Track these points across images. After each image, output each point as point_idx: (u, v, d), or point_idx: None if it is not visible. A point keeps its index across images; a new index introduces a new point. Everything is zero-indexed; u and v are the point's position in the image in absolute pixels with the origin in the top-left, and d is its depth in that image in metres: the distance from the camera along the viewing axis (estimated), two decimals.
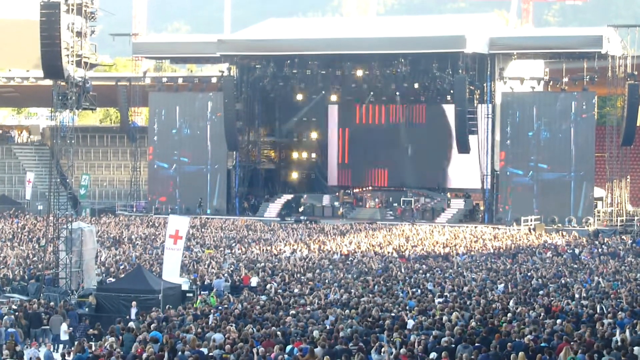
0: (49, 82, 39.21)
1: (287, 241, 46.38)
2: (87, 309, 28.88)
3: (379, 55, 58.72)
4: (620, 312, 24.34)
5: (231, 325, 23.23)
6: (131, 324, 24.32)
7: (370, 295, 28.80)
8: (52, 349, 25.25)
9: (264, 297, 29.26)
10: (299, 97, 65.39)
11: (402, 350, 20.22)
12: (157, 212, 60.58)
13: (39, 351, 22.56)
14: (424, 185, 63.72)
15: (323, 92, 64.89)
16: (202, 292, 31.18)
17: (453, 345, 20.51)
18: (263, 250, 43.13)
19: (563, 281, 32.51)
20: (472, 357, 19.67)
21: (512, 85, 57.44)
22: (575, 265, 37.92)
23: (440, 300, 27.86)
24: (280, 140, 68.99)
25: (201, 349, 20.66)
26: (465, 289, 30.33)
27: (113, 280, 33.05)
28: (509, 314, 24.63)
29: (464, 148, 57.19)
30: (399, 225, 54.36)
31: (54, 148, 37.78)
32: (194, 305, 28.39)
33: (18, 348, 21.60)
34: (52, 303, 28.59)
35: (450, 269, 36.63)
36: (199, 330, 22.90)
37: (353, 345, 20.63)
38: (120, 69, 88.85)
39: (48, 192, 40.81)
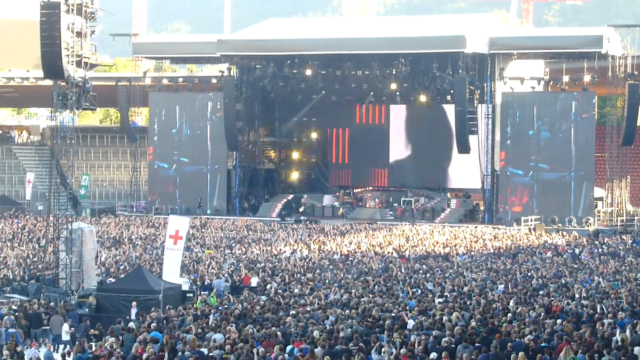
0: (49, 82, 39.21)
1: (287, 241, 46.36)
2: (87, 310, 28.88)
3: (379, 55, 58.70)
4: (620, 312, 24.34)
5: (231, 326, 23.22)
6: (131, 324, 24.32)
7: (371, 296, 28.80)
8: (52, 349, 25.24)
9: (264, 298, 29.26)
10: (299, 97, 65.38)
11: (402, 351, 20.22)
12: (157, 213, 60.57)
13: (39, 351, 22.56)
14: (424, 185, 63.72)
15: (323, 92, 64.86)
16: (202, 293, 31.18)
17: (453, 346, 20.51)
18: (263, 250, 43.12)
19: (563, 281, 32.51)
20: (473, 357, 19.67)
21: (512, 85, 57.43)
22: (576, 265, 37.91)
23: (441, 300, 27.86)
24: (281, 140, 68.99)
25: (201, 349, 20.66)
26: (466, 289, 30.33)
27: (113, 280, 33.05)
28: (509, 314, 24.63)
29: (464, 148, 57.18)
30: (399, 225, 54.35)
31: (54, 148, 37.78)
32: (194, 306, 28.38)
33: (19, 348, 21.60)
34: (52, 303, 28.59)
35: (450, 269, 36.62)
36: (199, 330, 22.90)
37: (353, 345, 20.62)
38: (120, 69, 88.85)
39: (48, 192, 40.83)
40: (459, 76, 55.91)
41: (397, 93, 63.58)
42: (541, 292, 29.53)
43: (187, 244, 40.10)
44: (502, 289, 30.61)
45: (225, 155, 63.14)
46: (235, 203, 63.15)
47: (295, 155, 69.00)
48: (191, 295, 30.77)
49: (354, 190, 64.23)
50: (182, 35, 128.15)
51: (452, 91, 58.29)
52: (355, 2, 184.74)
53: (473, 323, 23.12)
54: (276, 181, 68.41)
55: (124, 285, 29.66)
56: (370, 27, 66.65)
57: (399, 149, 65.36)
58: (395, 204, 61.25)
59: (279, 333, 22.23)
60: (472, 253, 42.41)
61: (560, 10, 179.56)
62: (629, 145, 57.68)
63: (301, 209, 62.41)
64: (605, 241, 47.66)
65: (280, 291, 30.33)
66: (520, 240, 47.65)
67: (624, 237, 50.22)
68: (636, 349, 19.66)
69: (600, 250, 44.04)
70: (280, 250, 42.85)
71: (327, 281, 32.73)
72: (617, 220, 55.79)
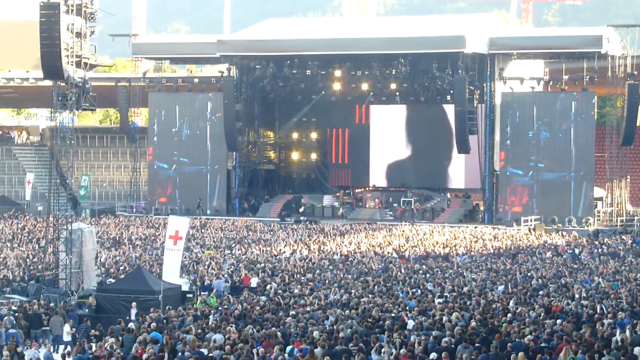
0: (48, 82, 39.18)
1: (287, 242, 46.35)
2: (87, 310, 28.87)
3: (378, 55, 58.70)
4: (620, 312, 24.34)
5: (231, 326, 23.22)
6: (131, 325, 24.32)
7: (370, 296, 28.80)
8: (52, 350, 25.23)
9: (264, 298, 29.26)
10: (299, 97, 65.40)
11: (402, 351, 20.22)
12: (157, 213, 60.58)
13: (39, 352, 22.55)
14: (424, 185, 63.73)
15: (323, 92, 64.90)
16: (202, 293, 31.19)
17: (453, 346, 20.50)
18: (263, 250, 43.11)
19: (563, 281, 32.50)
20: (472, 357, 19.67)
21: (512, 85, 57.43)
22: (575, 266, 37.91)
23: (440, 300, 27.85)
24: (280, 140, 69.04)
25: (201, 350, 20.66)
26: (465, 289, 30.33)
27: (113, 281, 33.03)
28: (509, 314, 24.62)
29: (464, 148, 57.18)
30: (398, 225, 54.36)
31: (54, 149, 37.80)
32: (194, 306, 28.39)
33: (19, 349, 21.60)
34: (52, 304, 28.57)
35: (450, 269, 36.62)
36: (199, 330, 22.90)
37: (353, 345, 20.62)
38: (120, 69, 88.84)
39: (48, 192, 40.83)
40: (458, 76, 55.90)
41: (397, 93, 63.59)
42: (541, 293, 29.53)
43: (187, 245, 40.09)
44: (502, 289, 30.61)
45: (225, 155, 63.16)
46: (235, 203, 63.16)
47: (295, 155, 69.04)
48: (191, 295, 30.77)
49: (354, 191, 64.22)
50: (182, 36, 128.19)
51: (451, 91, 58.28)
52: (355, 2, 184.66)
53: (473, 323, 23.12)
54: (276, 181, 68.42)
55: (123, 286, 29.64)
56: (370, 27, 66.65)
57: (398, 149, 65.33)
58: (395, 204, 61.25)
59: (278, 333, 22.23)
60: (472, 253, 42.39)
61: (559, 10, 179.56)
62: (628, 145, 57.70)
63: (301, 209, 62.39)
64: (605, 241, 47.65)
65: (280, 291, 30.33)
66: (520, 240, 47.64)
67: (623, 237, 50.21)
68: (636, 349, 19.65)
69: (600, 250, 44.03)
70: (280, 250, 42.84)
71: (327, 281, 32.73)
72: (617, 220, 55.79)
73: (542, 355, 19.33)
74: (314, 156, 69.01)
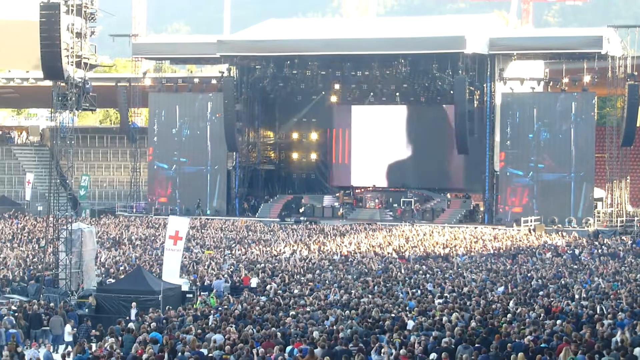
0: (48, 83, 39.19)
1: (287, 242, 46.34)
2: (87, 310, 28.87)
3: (378, 56, 58.69)
4: (620, 313, 24.33)
5: (231, 326, 23.22)
6: (131, 325, 24.33)
7: (370, 296, 28.79)
8: (51, 350, 25.23)
9: (263, 298, 29.26)
10: (299, 97, 65.40)
11: (402, 351, 20.21)
12: (157, 213, 60.58)
13: (39, 352, 22.55)
14: (424, 185, 63.70)
15: (323, 92, 64.90)
16: (202, 293, 31.18)
17: (453, 346, 20.50)
18: (263, 251, 43.10)
19: (563, 282, 32.50)
20: (472, 357, 19.67)
21: (512, 85, 57.42)
22: (575, 266, 37.91)
23: (440, 301, 27.85)
24: (280, 141, 69.04)
25: (201, 350, 20.66)
26: (465, 289, 30.33)
27: (113, 281, 33.04)
28: (509, 315, 24.63)
29: (464, 149, 57.18)
30: (398, 226, 54.36)
31: (54, 149, 37.79)
32: (194, 306, 28.38)
33: (19, 349, 21.61)
34: (52, 304, 28.57)
35: (450, 269, 36.61)
36: (199, 331, 22.90)
37: (353, 346, 20.62)
38: (120, 69, 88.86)
39: (48, 193, 40.85)
40: (458, 77, 55.90)
41: (397, 94, 63.57)
42: (541, 293, 29.52)
43: (187, 245, 40.11)
44: (502, 290, 30.61)
45: (225, 155, 63.17)
46: (235, 204, 63.16)
47: (295, 155, 69.05)
48: (191, 295, 30.78)
49: (354, 191, 64.21)
50: (182, 36, 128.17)
51: (452, 92, 58.25)
52: (355, 2, 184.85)
53: (473, 324, 23.12)
54: (276, 182, 68.40)
55: (123, 286, 29.65)
56: (370, 27, 66.67)
57: (399, 149, 65.33)
58: (395, 205, 61.23)
59: (278, 334, 22.23)
60: (472, 254, 42.39)
61: (560, 11, 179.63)
62: (628, 146, 57.70)
63: (301, 210, 62.38)
64: (605, 242, 47.64)
65: (280, 292, 30.33)
66: (520, 241, 47.64)
67: (623, 237, 50.20)
68: (636, 350, 19.65)
69: (600, 251, 44.02)
70: (280, 250, 42.84)
71: (326, 282, 32.73)
72: (617, 220, 55.79)
73: (542, 356, 19.32)
74: (314, 156, 69.01)
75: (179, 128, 63.55)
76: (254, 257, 40.39)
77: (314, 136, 68.54)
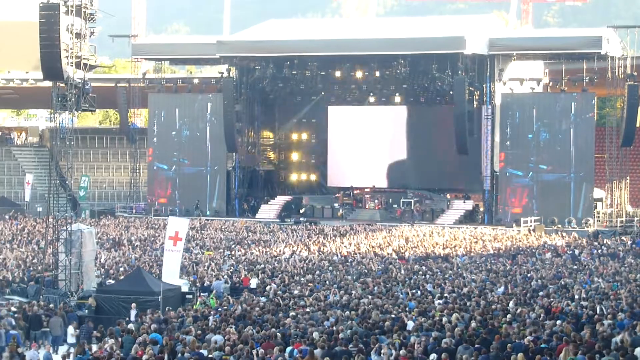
0: (48, 83, 39.16)
1: (287, 242, 46.32)
2: (86, 311, 28.85)
3: (378, 56, 58.72)
4: (620, 313, 24.32)
5: (231, 327, 23.20)
6: (131, 326, 24.31)
7: (370, 297, 28.78)
8: (51, 351, 25.20)
9: (263, 299, 29.25)
10: (299, 98, 65.43)
11: (402, 352, 20.20)
12: (157, 214, 60.56)
13: (39, 353, 22.54)
14: (424, 186, 63.67)
15: (322, 93, 64.93)
16: (201, 294, 31.18)
17: (453, 347, 20.49)
18: (263, 251, 43.09)
19: (563, 282, 32.47)
20: (473, 358, 19.65)
21: (512, 86, 57.44)
22: (575, 266, 37.89)
23: (440, 301, 27.83)
24: (280, 141, 69.05)
25: (201, 351, 20.65)
26: (465, 290, 30.31)
27: (113, 282, 33.02)
28: (509, 315, 24.62)
29: (464, 149, 57.18)
30: (398, 226, 54.34)
31: (54, 150, 37.74)
32: (194, 307, 28.36)
33: (20, 350, 21.60)
34: (51, 305, 28.55)
35: (450, 270, 36.58)
36: (199, 332, 22.90)
37: (353, 346, 20.61)
38: (119, 70, 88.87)
39: (47, 193, 40.78)
40: (458, 77, 55.91)
41: (397, 94, 63.58)
42: (541, 293, 29.51)
43: (187, 246, 40.09)
44: (501, 290, 30.60)
45: (224, 156, 63.17)
46: (235, 204, 63.16)
47: (295, 156, 69.07)
48: (191, 296, 30.76)
49: (354, 192, 64.17)
50: (182, 37, 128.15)
51: (451, 92, 58.27)
52: (355, 3, 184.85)
53: (473, 324, 23.11)
54: (276, 182, 68.44)
55: (123, 287, 29.62)
56: (370, 28, 66.66)
57: (398, 150, 65.33)
58: (395, 205, 61.23)
59: (278, 334, 22.22)
60: (472, 254, 42.37)
61: (559, 11, 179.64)
62: (628, 146, 57.71)
63: (302, 211, 62.40)
64: (605, 242, 47.64)
65: (279, 292, 30.32)
66: (519, 241, 47.63)
67: (623, 238, 50.19)
68: (636, 350, 19.64)
69: (599, 251, 44.00)
70: (280, 251, 42.82)
71: (326, 282, 32.71)
72: (616, 221, 55.79)
73: (541, 356, 19.30)
74: (313, 157, 68.99)
75: (178, 129, 63.56)
76: (253, 258, 40.37)
77: (313, 137, 68.52)
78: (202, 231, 51.65)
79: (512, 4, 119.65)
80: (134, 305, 27.73)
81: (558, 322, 23.27)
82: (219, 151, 62.68)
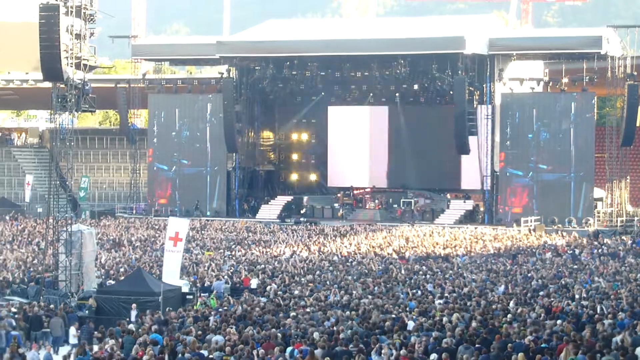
0: (48, 84, 39.28)
1: (287, 243, 46.32)
2: (87, 312, 28.85)
3: (378, 56, 58.71)
4: (620, 313, 24.32)
5: (231, 327, 23.21)
6: (131, 326, 24.31)
7: (371, 297, 28.78)
8: (51, 352, 25.21)
9: (264, 299, 29.25)
10: (299, 98, 65.41)
11: (402, 352, 20.19)
12: (157, 214, 60.56)
13: (39, 354, 22.54)
14: (424, 186, 63.65)
15: (322, 93, 64.89)
16: (202, 294, 31.17)
17: (454, 347, 20.49)
18: (263, 252, 43.08)
19: (563, 282, 32.47)
20: (473, 358, 19.65)
21: (512, 86, 57.45)
22: (576, 266, 37.89)
23: (441, 301, 27.83)
24: (280, 141, 69.04)
25: (201, 351, 20.65)
26: (466, 290, 30.31)
27: (113, 282, 33.02)
28: (510, 315, 24.61)
29: (464, 149, 57.18)
30: (398, 226, 54.34)
31: (54, 150, 37.74)
32: (194, 308, 28.36)
33: (21, 350, 21.60)
34: (52, 306, 28.55)
35: (450, 270, 36.57)
36: (199, 332, 22.90)
37: (353, 347, 20.61)
38: (119, 71, 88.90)
39: (47, 194, 40.82)
40: (458, 77, 55.91)
41: (397, 94, 63.57)
42: (541, 293, 29.50)
43: (187, 246, 40.08)
44: (502, 290, 30.60)
45: (224, 156, 63.17)
46: (235, 205, 63.16)
47: (295, 156, 69.05)
48: (191, 297, 30.75)
49: (354, 192, 64.17)
50: (181, 37, 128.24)
51: (451, 92, 58.26)
52: (355, 3, 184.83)
53: (473, 324, 23.11)
54: (276, 183, 68.43)
55: (123, 288, 29.63)
56: (370, 28, 66.67)
57: (398, 150, 65.32)
58: (395, 205, 61.23)
59: (279, 335, 22.21)
60: (472, 254, 42.36)
61: (559, 11, 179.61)
62: (628, 146, 57.70)
63: (303, 211, 62.40)
64: (605, 242, 47.64)
65: (280, 293, 30.32)
66: (520, 241, 47.63)
67: (623, 237, 50.19)
68: (637, 349, 19.63)
69: (600, 250, 44.00)
70: (280, 251, 42.81)
71: (327, 283, 32.71)
72: (616, 220, 55.80)
73: (542, 356, 19.30)
74: (313, 157, 68.99)
75: (178, 129, 63.57)
76: (254, 258, 40.37)
77: (313, 137, 68.53)
78: (203, 231, 51.65)
79: (512, 4, 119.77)
80: (134, 305, 27.74)
81: (558, 321, 23.28)
82: (219, 151, 62.69)
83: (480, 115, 57.97)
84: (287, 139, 68.98)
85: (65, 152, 35.22)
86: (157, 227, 53.56)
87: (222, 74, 62.59)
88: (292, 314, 25.52)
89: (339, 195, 63.45)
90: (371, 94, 64.43)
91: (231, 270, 36.20)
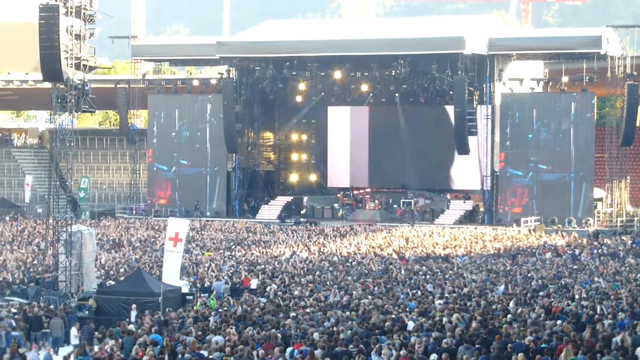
0: (48, 85, 39.22)
1: (287, 243, 46.31)
2: (87, 312, 28.85)
3: (378, 56, 58.69)
4: (620, 313, 24.31)
5: (231, 328, 23.20)
6: (131, 327, 24.31)
7: (370, 297, 28.77)
8: (51, 352, 25.20)
9: (263, 300, 29.24)
10: (298, 98, 65.41)
11: (402, 352, 20.19)
12: (157, 215, 60.56)
13: (39, 354, 22.54)
14: (424, 186, 63.65)
15: (322, 93, 64.90)
16: (202, 295, 31.17)
17: (454, 347, 20.49)
18: (263, 252, 43.08)
19: (563, 282, 32.46)
20: (473, 358, 19.65)
21: (512, 86, 57.45)
22: (575, 266, 37.88)
23: (441, 301, 27.82)
24: (280, 142, 69.03)
25: (201, 352, 20.65)
26: (466, 290, 30.30)
27: (113, 283, 33.02)
28: (509, 315, 24.61)
29: (464, 149, 57.18)
30: (398, 226, 54.33)
31: (53, 151, 37.73)
32: (194, 308, 28.36)
33: (21, 351, 21.60)
34: (52, 306, 28.56)
35: (450, 270, 36.57)
36: (199, 332, 22.90)
37: (353, 347, 20.60)
38: (119, 71, 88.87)
39: (47, 195, 40.80)
40: (458, 77, 55.90)
41: (397, 94, 63.57)
42: (541, 293, 29.50)
43: (187, 246, 40.08)
44: (502, 290, 30.59)
45: (224, 157, 63.17)
46: (235, 205, 63.16)
47: (295, 157, 69.04)
48: (191, 297, 30.76)
49: (354, 192, 64.16)
50: (181, 38, 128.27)
51: (451, 92, 58.26)
52: (355, 3, 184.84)
53: (473, 324, 23.11)
54: (276, 183, 68.44)
55: (123, 288, 29.64)
56: (370, 28, 66.66)
57: (398, 150, 65.30)
58: (395, 206, 61.23)
59: (279, 335, 22.21)
60: (472, 254, 42.35)
61: (559, 11, 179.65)
62: (628, 146, 57.71)
63: (303, 211, 62.40)
64: (605, 242, 47.64)
65: (280, 293, 30.32)
66: (520, 241, 47.62)
67: (623, 237, 50.18)
68: (637, 350, 19.63)
69: (600, 251, 43.99)
70: (280, 252, 42.81)
71: (327, 283, 32.71)
72: (616, 220, 55.79)
73: (542, 356, 19.30)
74: (313, 157, 69.00)
75: (178, 130, 63.57)
76: (254, 259, 40.36)
77: (313, 137, 68.52)
78: (202, 232, 51.64)
79: (512, 4, 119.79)
80: (134, 306, 27.74)
81: (558, 322, 23.27)
82: (218, 152, 62.69)
83: (480, 116, 57.96)
84: (287, 139, 68.97)
85: (65, 152, 35.20)
86: (157, 227, 53.55)
87: (222, 74, 62.61)
88: (292, 314, 25.52)
89: (338, 195, 63.47)
90: (371, 95, 64.43)
91: (231, 271, 36.20)
